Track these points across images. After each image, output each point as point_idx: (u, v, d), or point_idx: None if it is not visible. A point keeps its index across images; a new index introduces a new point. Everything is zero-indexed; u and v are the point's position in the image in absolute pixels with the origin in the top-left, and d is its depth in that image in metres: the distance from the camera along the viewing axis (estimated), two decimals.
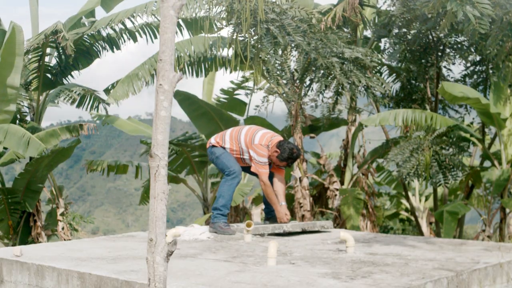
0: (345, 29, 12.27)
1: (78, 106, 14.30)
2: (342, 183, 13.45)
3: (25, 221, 13.21)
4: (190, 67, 13.60)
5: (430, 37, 11.96)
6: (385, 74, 13.22)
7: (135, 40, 13.82)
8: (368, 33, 13.72)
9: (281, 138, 7.83)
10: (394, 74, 13.11)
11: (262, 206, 13.52)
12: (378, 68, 12.34)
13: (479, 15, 5.86)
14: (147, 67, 13.25)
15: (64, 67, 13.74)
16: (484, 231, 11.75)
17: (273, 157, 7.72)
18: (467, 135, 11.51)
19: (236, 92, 16.49)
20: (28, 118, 13.91)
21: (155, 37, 13.88)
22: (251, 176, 16.96)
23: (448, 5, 5.96)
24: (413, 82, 12.72)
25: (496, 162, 11.58)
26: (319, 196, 14.18)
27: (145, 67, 13.30)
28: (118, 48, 13.98)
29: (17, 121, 13.40)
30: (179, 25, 13.58)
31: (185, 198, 68.66)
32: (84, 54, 13.88)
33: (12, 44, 11.60)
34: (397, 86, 13.05)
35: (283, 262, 5.70)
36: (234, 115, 15.81)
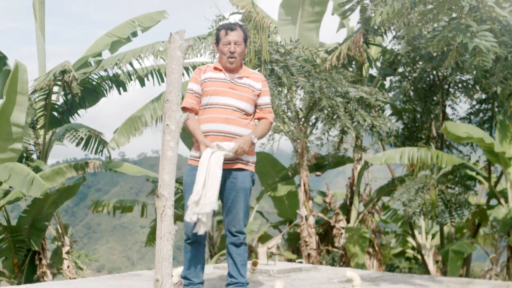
0: (350, 68, 12.34)
1: (83, 148, 14.34)
2: (348, 221, 13.40)
3: (30, 259, 13.14)
4: None
5: (435, 76, 12.03)
6: (388, 112, 13.24)
7: (142, 84, 13.87)
8: (373, 71, 13.79)
9: None
10: (397, 114, 13.13)
11: (268, 244, 13.48)
12: (382, 106, 12.39)
13: (490, 47, 5.90)
14: (150, 112, 13.36)
15: (71, 105, 13.76)
16: (491, 269, 11.68)
17: (222, 52, 5.24)
18: (473, 174, 11.50)
19: None
20: (34, 157, 13.92)
21: (162, 80, 13.94)
22: (256, 214, 16.77)
23: (457, 38, 6.00)
24: (418, 121, 12.74)
25: (502, 200, 11.54)
26: (325, 234, 14.13)
27: (147, 111, 13.40)
28: (125, 89, 13.99)
29: (24, 160, 13.41)
30: (185, 67, 13.61)
31: None
32: (90, 92, 13.91)
33: (16, 83, 11.65)
34: (400, 125, 13.07)
35: None
36: None
